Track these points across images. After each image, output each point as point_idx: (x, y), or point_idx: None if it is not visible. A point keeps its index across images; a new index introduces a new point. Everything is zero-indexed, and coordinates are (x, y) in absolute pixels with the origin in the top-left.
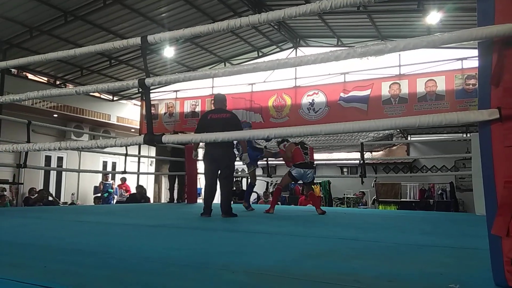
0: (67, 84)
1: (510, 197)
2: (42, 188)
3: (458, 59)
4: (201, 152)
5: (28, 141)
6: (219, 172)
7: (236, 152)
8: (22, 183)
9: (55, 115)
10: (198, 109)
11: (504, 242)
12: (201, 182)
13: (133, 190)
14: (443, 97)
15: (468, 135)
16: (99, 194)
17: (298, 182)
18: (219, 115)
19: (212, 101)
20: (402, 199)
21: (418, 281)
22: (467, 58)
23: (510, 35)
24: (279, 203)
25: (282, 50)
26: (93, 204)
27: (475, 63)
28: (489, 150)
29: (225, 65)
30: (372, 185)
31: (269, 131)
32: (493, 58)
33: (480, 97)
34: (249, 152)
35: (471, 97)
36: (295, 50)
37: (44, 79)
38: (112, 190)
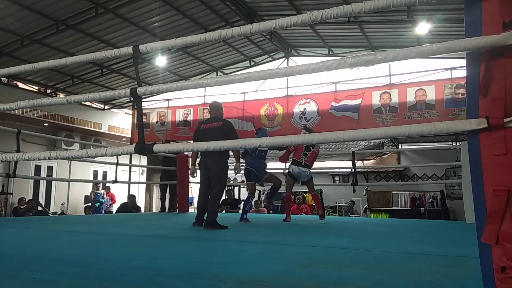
0: (58, 93)
1: (499, 205)
2: (31, 198)
3: (447, 69)
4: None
5: (18, 150)
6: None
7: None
8: (11, 193)
9: (45, 124)
10: (190, 118)
11: (494, 250)
12: (192, 191)
13: (120, 199)
14: (433, 106)
15: (458, 143)
16: (90, 204)
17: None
18: (210, 124)
19: (206, 110)
20: (393, 207)
21: None
22: (456, 68)
23: (497, 46)
24: (271, 211)
25: (274, 59)
26: (83, 214)
27: (464, 73)
28: (478, 158)
29: (217, 74)
30: (364, 193)
31: (261, 140)
32: (481, 68)
33: (468, 106)
34: (256, 164)
35: (461, 106)
36: (286, 59)
37: (34, 88)
38: (103, 200)
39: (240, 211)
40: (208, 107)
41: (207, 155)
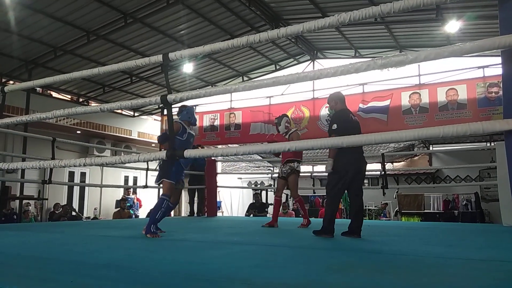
0: (90, 101)
1: None
2: (65, 203)
3: (479, 67)
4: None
5: (53, 158)
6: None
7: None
8: (47, 199)
9: (78, 132)
10: (217, 123)
11: None
12: (220, 195)
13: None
14: (465, 106)
15: (493, 144)
16: (119, 209)
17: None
18: (354, 117)
19: (233, 115)
20: (425, 210)
21: None
22: (488, 66)
23: None
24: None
25: (299, 62)
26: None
27: (497, 71)
28: None
29: (243, 79)
30: (394, 196)
31: (290, 144)
32: None
33: (505, 106)
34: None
35: (494, 105)
36: (312, 62)
37: (67, 97)
38: (133, 205)
39: (269, 215)
40: (335, 99)
41: (359, 152)
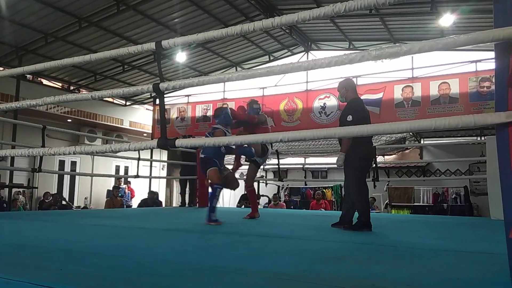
0: (81, 90)
1: None
2: (56, 192)
3: (472, 62)
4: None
5: (43, 146)
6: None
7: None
8: (37, 187)
9: (69, 120)
10: (209, 113)
11: None
12: None
13: (142, 193)
14: (457, 100)
15: (483, 138)
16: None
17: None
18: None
19: (226, 105)
20: (415, 203)
21: (436, 286)
22: (481, 61)
23: None
24: (292, 207)
25: (293, 54)
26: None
27: (489, 65)
28: (507, 152)
29: (236, 69)
30: (385, 189)
31: (282, 134)
32: (510, 60)
33: (497, 99)
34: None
35: (486, 99)
36: (306, 53)
37: (58, 85)
38: (125, 195)
39: (260, 206)
40: (346, 86)
41: (369, 142)
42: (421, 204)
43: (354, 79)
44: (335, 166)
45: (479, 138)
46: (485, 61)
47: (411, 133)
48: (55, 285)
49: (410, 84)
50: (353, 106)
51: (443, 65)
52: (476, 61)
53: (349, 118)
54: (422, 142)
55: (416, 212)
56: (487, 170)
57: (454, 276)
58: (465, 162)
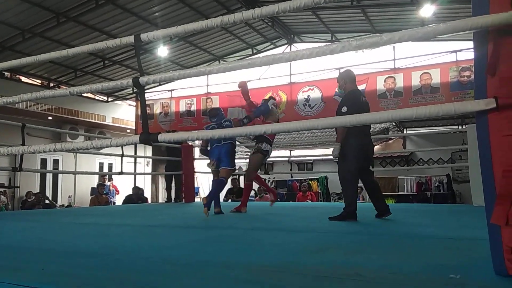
0: (61, 86)
1: (508, 186)
2: (38, 191)
3: (452, 52)
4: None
5: (23, 144)
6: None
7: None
8: (18, 187)
9: (50, 118)
10: (193, 108)
11: (504, 231)
12: (198, 181)
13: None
14: (438, 89)
15: (464, 126)
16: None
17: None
18: (364, 98)
19: (210, 100)
20: (399, 193)
21: (420, 273)
22: (461, 50)
23: (505, 24)
24: (278, 199)
25: (276, 46)
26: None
27: (469, 55)
28: (486, 140)
29: (219, 63)
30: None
31: (266, 127)
32: (488, 47)
33: (476, 87)
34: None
35: (466, 89)
36: (289, 46)
37: (37, 82)
38: (109, 192)
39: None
40: (345, 78)
41: (367, 135)
42: (405, 193)
43: (337, 71)
44: (320, 158)
45: (460, 127)
46: (465, 50)
47: (394, 124)
48: (37, 285)
49: (393, 75)
50: (350, 98)
51: (425, 56)
52: (456, 51)
53: (344, 109)
54: (405, 132)
55: (400, 201)
56: (469, 158)
57: (437, 262)
58: (447, 151)
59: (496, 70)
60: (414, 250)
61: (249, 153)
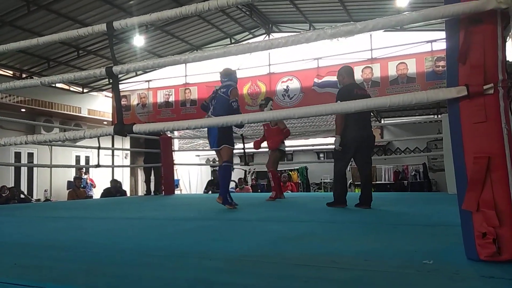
0: (34, 77)
1: (479, 172)
2: (13, 185)
3: (427, 42)
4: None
5: None
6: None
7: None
8: None
9: (23, 110)
10: (172, 99)
11: (475, 216)
12: (178, 173)
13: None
14: (414, 79)
15: (439, 116)
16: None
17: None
18: (362, 91)
19: (188, 90)
20: (377, 182)
21: (394, 259)
22: (436, 40)
23: (476, 12)
24: (259, 190)
25: (254, 36)
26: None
27: (444, 45)
28: (458, 127)
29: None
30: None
31: (243, 116)
32: (460, 36)
33: (448, 75)
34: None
35: (441, 78)
36: (267, 36)
37: (9, 73)
38: (87, 185)
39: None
40: (343, 73)
41: (365, 127)
42: (382, 182)
43: (315, 61)
44: (300, 148)
45: (436, 116)
46: (440, 41)
47: (372, 113)
48: (9, 280)
49: (370, 65)
50: (343, 92)
51: (401, 46)
52: (431, 41)
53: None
54: (382, 122)
55: (378, 190)
56: (444, 147)
57: (411, 248)
58: (423, 140)
59: (467, 58)
60: (388, 237)
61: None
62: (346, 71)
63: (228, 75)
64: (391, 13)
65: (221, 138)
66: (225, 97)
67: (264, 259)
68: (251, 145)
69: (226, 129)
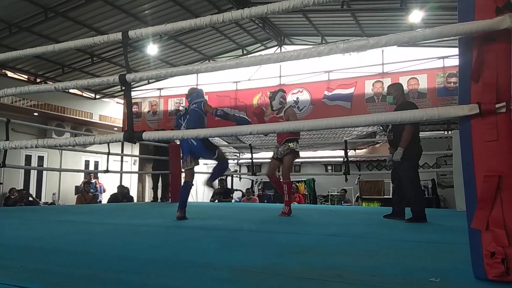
0: (48, 82)
1: (489, 191)
2: (22, 188)
3: (439, 58)
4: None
5: (7, 140)
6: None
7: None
8: (1, 183)
9: (36, 114)
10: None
11: (484, 235)
12: None
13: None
14: (425, 95)
15: (449, 132)
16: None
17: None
18: None
19: (397, 90)
20: (385, 196)
21: (400, 275)
22: (448, 57)
23: (490, 31)
24: (265, 201)
25: (266, 48)
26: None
27: (456, 62)
28: (469, 145)
29: (209, 62)
30: (356, 182)
31: (252, 127)
32: (473, 53)
33: (460, 92)
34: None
35: (452, 95)
36: (279, 48)
37: (24, 77)
38: (95, 189)
39: (233, 201)
40: (397, 89)
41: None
42: (390, 197)
43: (326, 74)
44: (308, 160)
45: (446, 132)
46: (452, 57)
47: (381, 128)
48: (15, 283)
49: (380, 79)
50: (412, 108)
51: (412, 61)
52: (443, 57)
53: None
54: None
55: (385, 204)
56: (453, 163)
57: (418, 265)
58: (432, 156)
59: (480, 76)
60: (396, 253)
61: (237, 154)
62: (401, 88)
63: (196, 93)
64: (403, 28)
65: (208, 146)
66: (199, 112)
67: (268, 271)
68: (259, 155)
69: (205, 139)
